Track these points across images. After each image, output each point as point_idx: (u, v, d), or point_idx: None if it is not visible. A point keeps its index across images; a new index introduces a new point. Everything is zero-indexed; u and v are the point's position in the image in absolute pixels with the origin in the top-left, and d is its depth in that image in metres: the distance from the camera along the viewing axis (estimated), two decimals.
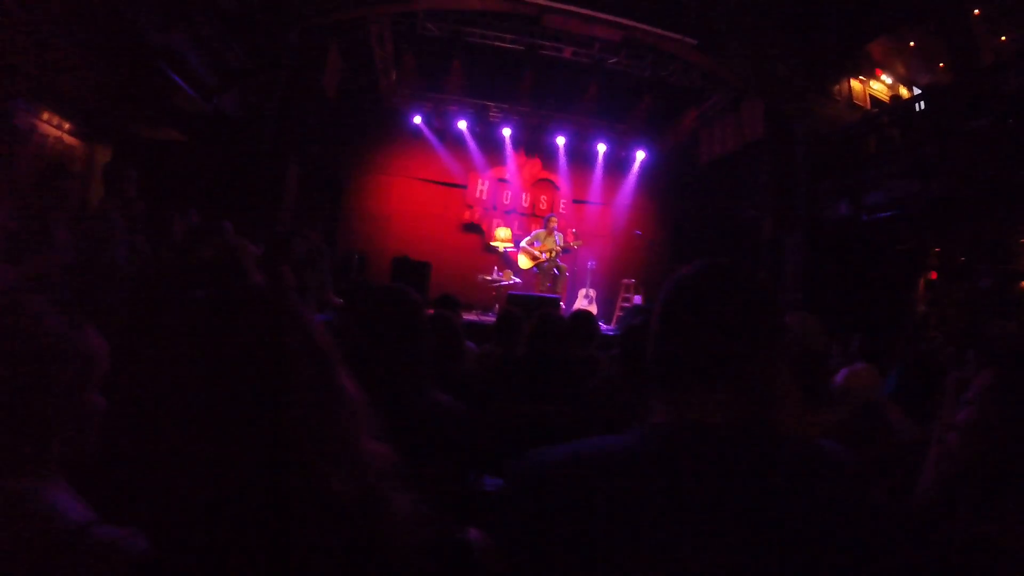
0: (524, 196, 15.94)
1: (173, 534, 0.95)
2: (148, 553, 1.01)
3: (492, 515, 1.18)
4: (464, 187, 15.68)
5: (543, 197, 16.04)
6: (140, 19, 6.92)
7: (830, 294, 11.15)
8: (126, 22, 6.74)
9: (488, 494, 3.09)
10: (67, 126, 8.70)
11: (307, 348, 1.06)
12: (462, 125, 15.07)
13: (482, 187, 15.70)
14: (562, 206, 15.95)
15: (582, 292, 14.02)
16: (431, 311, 5.04)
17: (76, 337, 1.39)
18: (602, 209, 16.40)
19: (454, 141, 15.40)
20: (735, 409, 1.13)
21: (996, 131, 8.45)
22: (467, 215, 15.63)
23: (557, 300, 11.37)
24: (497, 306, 12.29)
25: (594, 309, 13.23)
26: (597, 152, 15.89)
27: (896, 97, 13.95)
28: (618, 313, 13.71)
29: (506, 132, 15.30)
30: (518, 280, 13.28)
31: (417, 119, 14.87)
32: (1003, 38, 11.57)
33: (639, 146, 15.85)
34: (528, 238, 13.51)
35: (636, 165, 16.12)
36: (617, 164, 16.25)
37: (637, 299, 13.46)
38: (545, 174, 16.16)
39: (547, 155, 16.03)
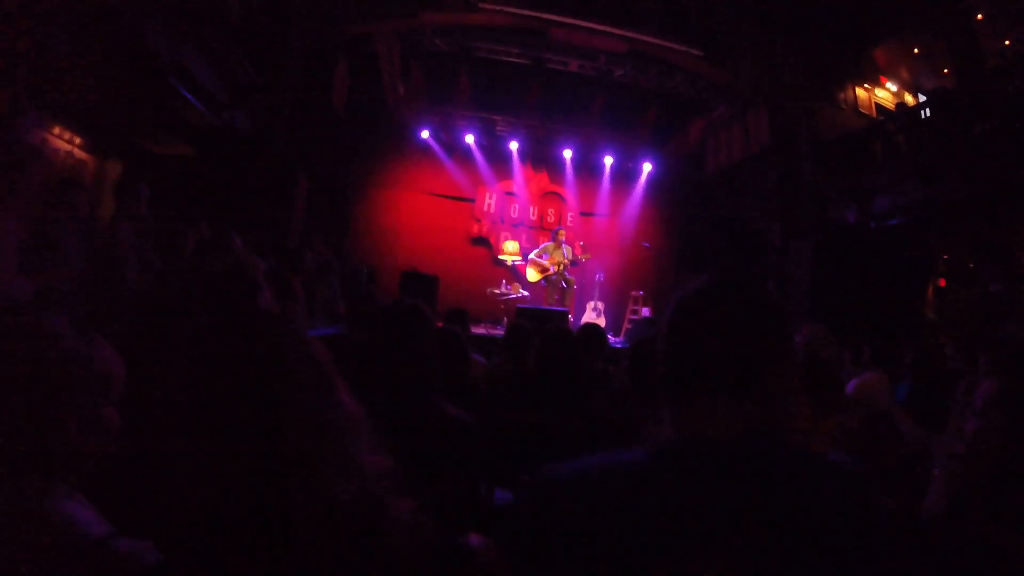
0: (532, 209, 15.94)
1: (182, 542, 0.98)
2: (159, 561, 1.03)
3: (502, 528, 1.19)
4: (472, 200, 15.68)
5: (551, 210, 16.04)
6: (150, 35, 6.98)
7: (839, 302, 11.12)
8: (137, 38, 6.80)
9: (499, 507, 3.10)
10: (78, 141, 8.77)
11: (307, 367, 1.10)
12: (469, 139, 15.08)
13: (490, 200, 15.71)
14: (570, 219, 15.94)
15: (590, 305, 13.99)
16: (439, 325, 5.06)
17: (93, 355, 1.41)
18: (610, 221, 16.37)
19: (462, 155, 15.42)
20: (745, 423, 1.14)
21: (1002, 135, 8.44)
22: (475, 228, 15.63)
23: (565, 313, 11.36)
24: (506, 319, 12.28)
25: (602, 322, 13.19)
26: (604, 164, 15.87)
27: (901, 104, 13.95)
28: (626, 325, 13.67)
29: (513, 145, 15.31)
30: (526, 293, 13.26)
31: (425, 133, 14.89)
32: (1007, 41, 11.57)
33: (646, 157, 15.83)
34: (536, 251, 13.50)
35: (643, 176, 16.09)
36: (624, 176, 16.22)
37: (645, 311, 13.42)
38: (552, 187, 16.16)
39: (554, 168, 16.03)
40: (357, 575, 1.01)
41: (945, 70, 13.17)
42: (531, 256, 13.46)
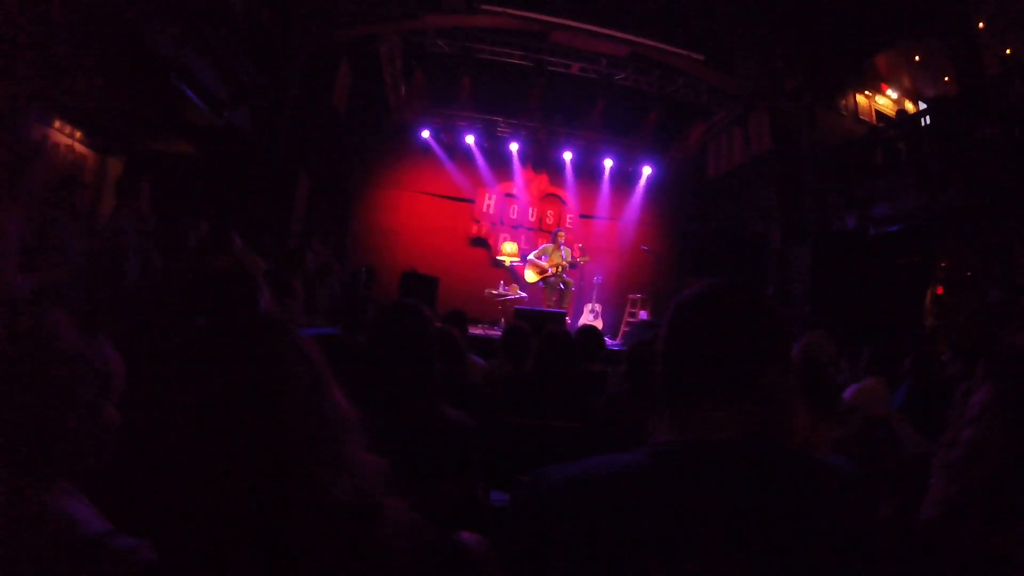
0: (531, 211, 15.96)
1: (179, 541, 0.99)
2: (156, 558, 1.04)
3: (499, 530, 1.20)
4: (472, 202, 15.70)
5: (550, 212, 16.05)
6: (153, 34, 6.98)
7: (838, 307, 11.13)
8: (139, 37, 6.80)
9: (495, 509, 3.11)
10: (79, 135, 8.77)
11: (304, 367, 1.11)
12: (470, 140, 15.10)
13: (489, 202, 15.73)
14: (569, 221, 15.95)
15: (588, 307, 13.99)
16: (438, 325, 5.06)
17: (94, 353, 1.42)
18: (609, 224, 16.39)
19: (462, 156, 15.44)
20: (744, 426, 1.14)
21: (1002, 142, 8.46)
22: (474, 229, 15.65)
23: (563, 315, 11.37)
24: (503, 320, 12.29)
25: (600, 324, 13.19)
26: (604, 167, 15.89)
27: (902, 111, 13.97)
28: (624, 328, 13.68)
29: (514, 147, 15.33)
30: (524, 295, 13.28)
31: (425, 133, 14.91)
32: (1008, 50, 11.59)
33: (646, 161, 15.85)
34: (536, 251, 13.50)
35: (643, 180, 16.11)
36: (624, 179, 16.24)
37: (643, 314, 13.43)
38: (552, 189, 16.18)
39: (554, 170, 16.05)
40: (352, 574, 1.02)
41: (946, 77, 13.18)
42: (530, 257, 13.46)
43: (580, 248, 13.94)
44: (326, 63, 11.08)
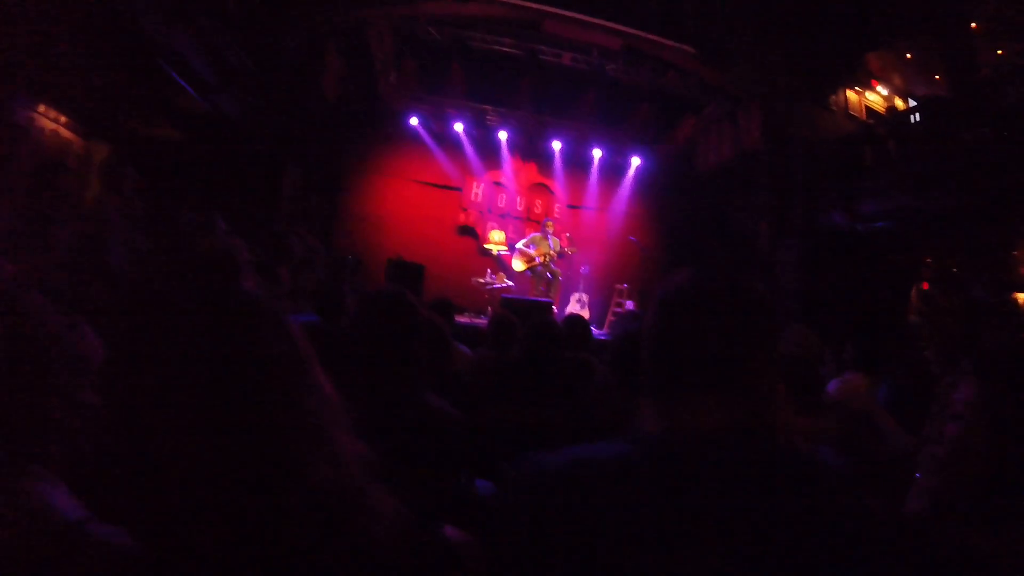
0: (519, 200, 15.93)
1: (161, 528, 0.97)
2: (137, 548, 1.03)
3: (483, 518, 1.19)
4: (459, 190, 15.65)
5: (538, 201, 16.04)
6: (141, 17, 6.92)
7: (825, 302, 11.17)
8: (126, 19, 6.74)
9: (479, 497, 3.10)
10: (65, 122, 8.69)
11: (286, 349, 1.09)
12: (459, 128, 15.03)
13: (477, 190, 15.69)
14: (557, 211, 15.93)
15: (575, 297, 14.02)
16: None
17: (73, 336, 1.40)
18: (597, 215, 16.39)
19: (451, 144, 15.38)
20: (729, 416, 1.13)
21: (992, 144, 8.49)
22: (462, 218, 15.60)
23: (550, 304, 11.39)
24: (490, 309, 12.30)
25: (586, 314, 13.21)
26: (593, 158, 15.88)
27: (892, 108, 14.01)
28: (610, 318, 13.71)
29: (503, 136, 15.28)
30: (512, 284, 13.28)
31: (414, 120, 14.83)
32: (1000, 52, 11.63)
33: (635, 153, 15.85)
34: (524, 240, 13.53)
35: (632, 171, 16.11)
36: (613, 170, 16.23)
37: (630, 305, 13.48)
38: (541, 179, 16.16)
39: (543, 160, 16.02)
40: (333, 561, 1.01)
41: (937, 77, 13.23)
42: (518, 246, 13.48)
43: (568, 238, 13.94)
44: (316, 48, 11.01)
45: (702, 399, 1.15)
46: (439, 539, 1.15)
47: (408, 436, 2.04)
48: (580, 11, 11.09)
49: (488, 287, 13.01)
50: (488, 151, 15.59)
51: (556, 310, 12.36)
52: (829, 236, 11.89)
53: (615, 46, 11.96)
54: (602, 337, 10.55)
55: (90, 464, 1.40)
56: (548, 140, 15.49)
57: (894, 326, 11.56)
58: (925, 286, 12.80)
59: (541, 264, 13.09)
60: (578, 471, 1.11)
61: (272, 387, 1.05)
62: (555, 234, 13.56)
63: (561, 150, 15.63)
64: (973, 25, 11.17)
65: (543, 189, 16.20)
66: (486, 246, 15.15)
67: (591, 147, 15.69)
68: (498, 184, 15.84)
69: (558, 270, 13.42)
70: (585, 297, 14.05)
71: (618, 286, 14.13)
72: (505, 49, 12.89)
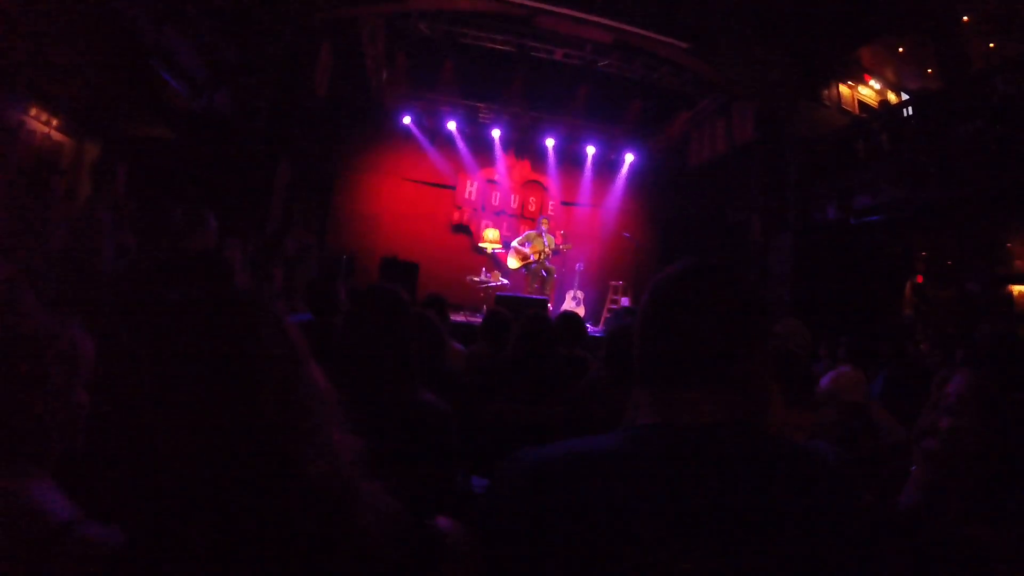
0: (513, 197, 15.97)
1: (151, 523, 0.97)
2: (125, 543, 1.02)
3: (476, 513, 1.19)
4: (453, 188, 15.69)
5: (532, 199, 16.07)
6: (132, 15, 6.89)
7: (818, 297, 11.20)
8: (118, 18, 6.72)
9: (475, 494, 3.10)
10: (56, 122, 8.66)
11: (278, 343, 1.09)
12: (452, 126, 15.06)
13: (471, 188, 15.71)
14: (551, 208, 15.95)
15: (570, 294, 14.04)
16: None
17: (64, 335, 1.39)
18: (591, 211, 16.44)
19: (444, 141, 15.40)
20: (721, 409, 1.13)
21: (984, 137, 8.51)
22: (456, 216, 15.64)
23: (545, 301, 11.39)
24: (485, 307, 12.30)
25: (582, 311, 13.25)
26: (587, 154, 15.92)
27: (885, 102, 14.04)
28: (606, 315, 13.73)
29: (496, 133, 15.30)
30: (506, 281, 13.29)
31: (407, 119, 14.84)
32: (991, 44, 11.65)
33: (629, 148, 15.88)
34: (519, 238, 13.53)
35: (625, 167, 16.16)
36: (607, 166, 16.29)
37: (625, 301, 13.49)
38: (534, 176, 16.19)
39: (537, 157, 16.05)
40: (327, 555, 1.00)
41: (929, 70, 13.25)
42: (513, 244, 13.49)
43: (563, 235, 14.00)
44: (307, 46, 10.99)
45: (694, 392, 1.14)
46: (432, 531, 1.14)
47: (401, 432, 2.04)
48: (572, 6, 11.07)
49: (483, 285, 13.02)
50: (481, 148, 15.61)
51: (551, 307, 12.38)
52: (823, 230, 11.92)
53: (608, 41, 11.95)
54: (597, 334, 10.56)
55: (82, 463, 1.40)
56: (541, 137, 15.51)
57: (888, 320, 11.62)
58: (920, 279, 12.86)
59: (536, 261, 13.10)
60: (571, 464, 1.11)
61: (266, 382, 1.04)
62: (550, 231, 13.55)
63: (554, 147, 15.66)
64: (964, 19, 11.18)
65: (537, 186, 16.23)
66: (481, 244, 15.18)
67: (584, 143, 15.72)
68: (492, 181, 15.87)
69: (553, 267, 13.44)
70: (580, 294, 14.08)
71: (613, 282, 14.16)
72: (497, 45, 12.89)
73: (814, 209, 12.15)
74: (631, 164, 16.11)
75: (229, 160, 9.96)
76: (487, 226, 15.40)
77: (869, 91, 14.21)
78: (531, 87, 13.90)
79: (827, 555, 1.06)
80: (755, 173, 13.02)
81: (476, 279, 13.15)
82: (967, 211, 9.63)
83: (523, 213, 15.86)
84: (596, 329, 12.24)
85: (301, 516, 0.99)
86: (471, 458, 3.21)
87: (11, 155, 7.49)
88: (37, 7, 6.07)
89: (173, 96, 8.46)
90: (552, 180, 16.14)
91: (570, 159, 16.08)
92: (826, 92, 13.21)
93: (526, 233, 13.62)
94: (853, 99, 13.74)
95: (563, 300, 14.06)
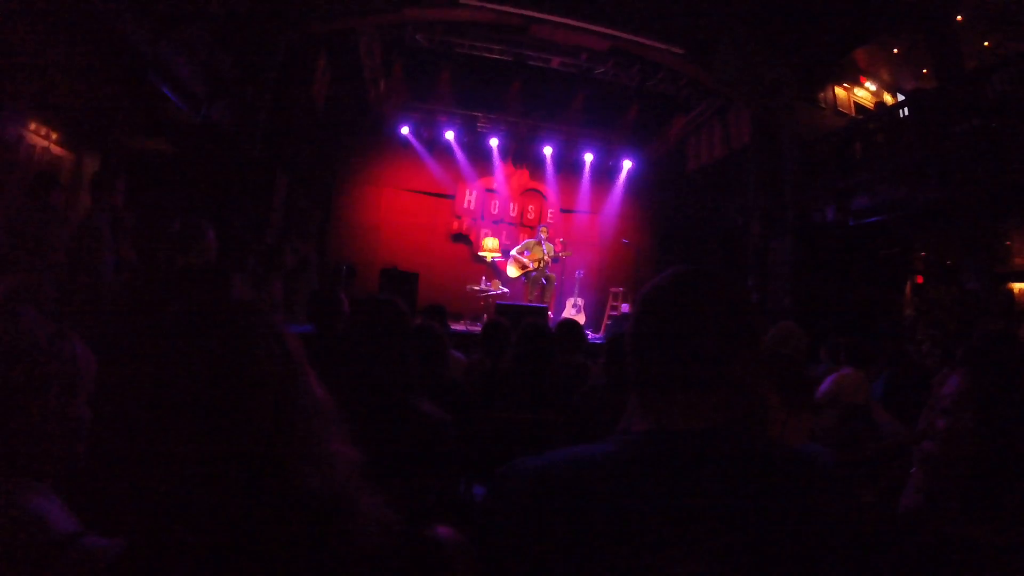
0: (512, 206, 15.98)
1: (148, 532, 0.97)
2: (123, 553, 1.03)
3: (475, 522, 1.19)
4: (452, 197, 15.71)
5: (531, 207, 16.09)
6: (129, 29, 6.91)
7: (818, 299, 11.19)
8: (115, 32, 6.73)
9: (478, 503, 3.10)
10: (55, 136, 8.68)
11: (276, 353, 1.09)
12: (450, 135, 15.09)
13: (470, 197, 15.73)
14: (550, 216, 15.99)
15: (570, 301, 14.03)
16: (417, 321, 5.04)
17: (65, 350, 1.40)
18: (590, 218, 16.46)
19: (442, 151, 15.42)
20: (715, 413, 1.13)
21: (980, 135, 8.52)
22: (455, 225, 15.65)
23: (545, 309, 11.40)
24: (486, 316, 12.30)
25: (582, 318, 13.25)
26: (585, 161, 15.94)
27: (881, 103, 14.07)
28: (606, 322, 13.74)
29: (494, 142, 15.33)
30: (506, 290, 13.29)
31: (405, 129, 14.88)
32: (986, 43, 11.68)
33: (626, 155, 15.91)
34: (518, 247, 13.54)
35: (623, 174, 16.18)
36: (605, 173, 16.31)
37: (625, 307, 13.50)
38: (533, 184, 16.20)
39: (535, 165, 16.07)
40: (321, 565, 1.01)
41: (925, 71, 13.27)
42: (512, 253, 13.51)
43: (562, 243, 13.98)
44: (304, 58, 11.03)
45: (686, 397, 1.14)
46: (431, 541, 1.15)
47: (401, 442, 2.04)
48: (568, 14, 11.10)
49: (483, 294, 13.02)
50: (480, 158, 15.63)
51: (552, 315, 12.37)
52: (822, 232, 11.92)
53: (603, 48, 11.99)
54: (598, 340, 10.56)
55: (83, 476, 1.40)
56: (539, 145, 15.53)
57: (889, 321, 11.60)
58: (920, 280, 12.84)
59: (535, 270, 13.11)
60: (564, 472, 1.11)
61: (262, 391, 1.04)
62: (549, 239, 13.56)
63: (553, 154, 15.67)
64: (959, 18, 11.20)
65: (536, 194, 16.24)
66: (480, 253, 15.20)
67: (582, 150, 15.75)
68: (491, 190, 15.88)
69: (552, 275, 13.44)
70: (581, 301, 14.07)
71: (613, 289, 14.18)
72: (494, 55, 12.93)
73: (813, 211, 12.16)
74: (629, 170, 16.13)
75: (228, 172, 9.97)
76: (486, 235, 15.42)
77: (865, 93, 14.25)
78: (528, 95, 13.95)
79: (823, 558, 1.06)
80: (753, 177, 13.03)
81: (476, 288, 13.17)
82: (965, 210, 9.63)
83: (522, 221, 15.88)
84: (597, 336, 12.26)
85: (296, 525, 0.99)
86: (473, 467, 3.21)
87: (11, 169, 7.50)
88: (35, 22, 6.09)
89: (171, 109, 8.47)
90: (551, 188, 16.16)
91: (568, 166, 16.10)
92: (822, 94, 13.25)
93: (525, 242, 13.63)
94: (849, 101, 13.77)
95: (563, 307, 14.05)
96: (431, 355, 3.73)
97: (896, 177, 10.15)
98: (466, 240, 15.65)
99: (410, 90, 13.93)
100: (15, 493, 1.25)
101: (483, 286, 13.13)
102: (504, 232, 15.65)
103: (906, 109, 10.85)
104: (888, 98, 14.35)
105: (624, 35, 11.42)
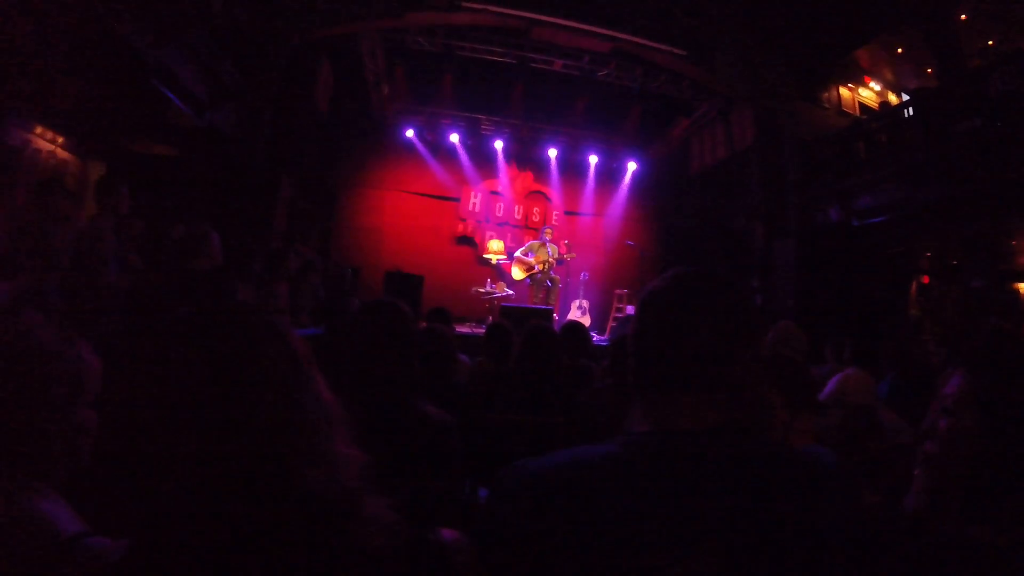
0: (517, 208, 16.00)
1: (154, 534, 0.98)
2: (127, 554, 1.03)
3: (477, 523, 1.20)
4: (457, 200, 15.73)
5: (536, 209, 16.09)
6: (133, 35, 6.93)
7: (823, 299, 11.16)
8: (119, 38, 6.75)
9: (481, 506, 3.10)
10: (60, 142, 8.71)
11: (282, 356, 1.10)
12: (454, 138, 15.12)
13: (475, 200, 15.75)
14: (554, 218, 16.00)
15: (575, 303, 14.02)
16: (423, 324, 5.05)
17: (70, 354, 1.41)
18: (594, 220, 16.47)
19: (446, 154, 15.46)
20: (716, 414, 1.14)
21: (984, 134, 8.50)
22: (460, 228, 15.67)
23: (550, 311, 11.39)
24: (490, 318, 12.30)
25: (587, 320, 13.23)
26: (589, 163, 15.95)
27: (884, 103, 14.03)
28: (611, 323, 13.72)
29: (498, 145, 15.36)
30: (511, 292, 13.29)
31: (409, 132, 14.93)
32: (989, 41, 11.66)
33: (630, 157, 15.93)
34: (522, 249, 13.55)
35: (627, 176, 16.19)
36: (609, 175, 16.32)
37: (630, 309, 13.46)
38: (537, 186, 16.22)
39: (539, 167, 16.09)
40: (325, 566, 1.01)
41: (928, 70, 13.25)
42: (517, 254, 13.50)
43: (566, 245, 13.98)
44: (307, 62, 11.05)
45: (687, 398, 1.15)
46: (433, 544, 1.15)
47: (405, 444, 2.05)
48: (569, 17, 11.10)
49: (488, 296, 13.02)
50: (484, 160, 15.66)
51: (557, 317, 12.37)
52: (825, 233, 11.89)
53: (605, 50, 11.99)
54: (603, 342, 10.55)
55: (88, 477, 1.41)
56: (543, 147, 15.57)
57: (894, 321, 11.58)
58: (925, 279, 12.81)
59: (540, 272, 13.11)
60: (568, 473, 1.12)
61: (266, 393, 1.05)
62: (553, 241, 13.58)
63: (557, 157, 15.70)
64: (962, 16, 11.20)
65: (540, 196, 16.26)
66: (485, 255, 15.21)
67: (586, 153, 15.76)
68: (495, 193, 15.90)
69: (557, 277, 13.44)
70: (585, 303, 14.06)
71: (618, 291, 14.15)
72: (496, 58, 12.91)
73: (816, 212, 12.14)
74: (633, 172, 16.15)
75: (232, 176, 9.99)
76: (491, 237, 15.44)
77: (869, 93, 14.22)
78: (531, 98, 13.96)
79: (825, 558, 1.07)
80: (756, 178, 13.01)
81: (481, 290, 13.17)
82: (969, 209, 9.61)
83: (527, 224, 15.90)
84: (601, 338, 12.23)
85: (299, 526, 1.00)
86: (479, 470, 3.21)
87: (17, 174, 7.53)
88: (38, 27, 6.11)
89: (175, 114, 8.49)
90: (555, 190, 16.18)
91: (572, 169, 16.13)
92: (825, 95, 13.22)
93: (529, 243, 13.64)
94: (854, 101, 13.74)
95: (569, 310, 14.04)
96: (439, 358, 3.74)
97: (899, 176, 10.13)
98: (471, 242, 15.67)
99: (413, 93, 13.95)
100: (21, 494, 1.26)
101: (488, 288, 13.14)
102: (509, 234, 15.66)
103: (909, 108, 10.83)
104: (892, 98, 14.32)
105: (626, 37, 11.41)
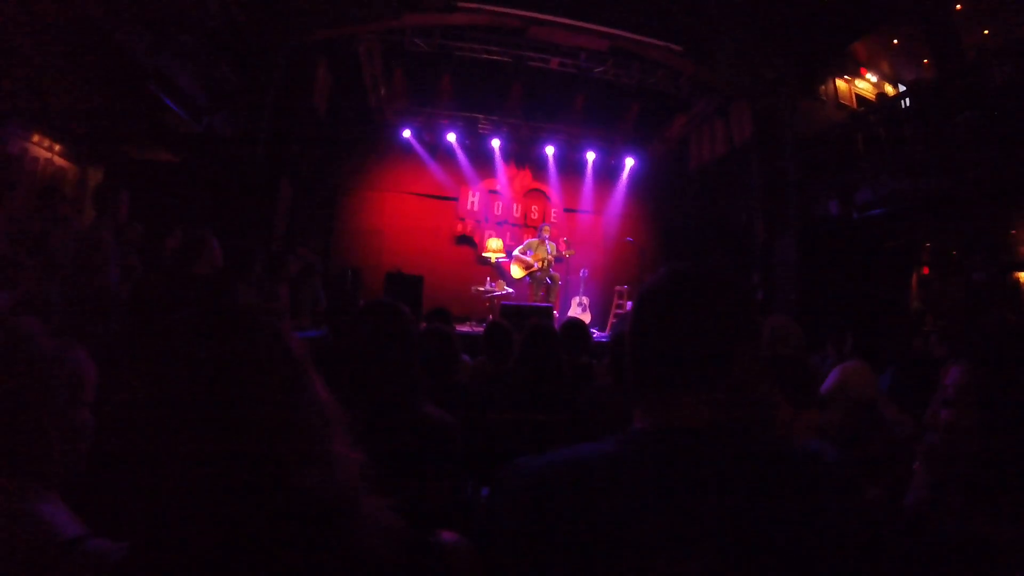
0: (515, 207, 16.00)
1: (154, 536, 0.98)
2: (127, 556, 1.03)
3: (478, 523, 1.20)
4: (455, 200, 15.74)
5: (534, 207, 16.10)
6: (130, 41, 6.94)
7: (824, 294, 11.16)
8: (116, 44, 6.76)
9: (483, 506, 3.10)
10: (58, 148, 8.72)
11: (280, 359, 1.10)
12: (452, 138, 15.12)
13: (473, 199, 15.76)
14: (553, 216, 16.00)
15: (575, 300, 14.03)
16: (423, 324, 5.05)
17: (67, 359, 1.41)
18: (593, 218, 16.47)
19: (444, 154, 15.47)
20: (714, 410, 1.13)
21: (982, 125, 8.49)
22: (459, 227, 15.68)
23: (550, 309, 11.39)
24: (491, 317, 12.29)
25: (588, 317, 13.24)
26: (587, 161, 15.96)
27: (882, 95, 14.01)
28: (612, 320, 13.72)
29: (496, 144, 15.36)
30: (511, 290, 13.29)
31: (407, 133, 14.93)
32: (985, 32, 11.64)
33: (629, 154, 15.93)
34: (521, 247, 13.55)
35: (626, 173, 16.19)
36: (607, 172, 16.32)
37: (630, 305, 13.45)
38: (536, 184, 16.23)
39: (537, 165, 16.10)
40: (324, 568, 1.01)
41: (925, 61, 13.24)
42: (515, 253, 13.51)
43: (565, 242, 13.99)
44: (304, 64, 11.05)
45: (685, 395, 1.15)
46: (433, 546, 1.15)
47: (404, 446, 2.05)
48: (566, 14, 11.10)
49: (488, 295, 13.03)
50: (482, 159, 15.67)
51: (557, 314, 12.37)
52: (826, 226, 11.88)
53: (602, 47, 11.98)
54: (604, 339, 10.55)
55: (87, 480, 1.42)
56: (541, 145, 15.56)
57: (896, 313, 11.57)
58: (926, 271, 12.81)
59: (539, 269, 13.11)
60: (564, 472, 1.11)
61: (265, 394, 1.05)
62: (552, 238, 13.58)
63: (555, 155, 15.70)
64: (958, 7, 11.18)
65: (539, 194, 16.26)
66: (484, 254, 15.22)
67: (584, 150, 15.77)
68: (494, 192, 15.91)
69: (557, 275, 13.45)
70: (586, 300, 14.07)
71: (618, 287, 14.14)
72: (493, 57, 12.91)
73: (816, 205, 12.12)
74: (632, 169, 16.15)
75: (231, 180, 9.99)
76: (490, 236, 15.44)
77: (867, 85, 14.21)
78: (529, 96, 13.93)
79: (827, 556, 1.06)
80: (755, 172, 13.00)
81: (481, 289, 13.17)
82: (969, 200, 9.60)
83: (526, 222, 15.90)
84: (602, 334, 12.24)
85: (297, 527, 0.99)
86: (480, 470, 3.21)
87: (15, 182, 7.54)
88: (35, 35, 6.11)
89: (173, 119, 8.50)
90: (553, 188, 16.18)
91: (571, 166, 16.12)
92: (823, 88, 13.21)
93: (527, 241, 13.65)
94: (851, 93, 13.73)
95: (569, 307, 14.04)
96: (443, 358, 3.74)
97: (898, 169, 10.11)
98: (470, 242, 15.68)
99: (411, 94, 13.94)
100: (21, 497, 1.27)
101: (488, 287, 13.14)
102: (508, 233, 15.66)
103: (907, 100, 10.82)
104: (890, 89, 14.31)
105: (622, 34, 11.40)
